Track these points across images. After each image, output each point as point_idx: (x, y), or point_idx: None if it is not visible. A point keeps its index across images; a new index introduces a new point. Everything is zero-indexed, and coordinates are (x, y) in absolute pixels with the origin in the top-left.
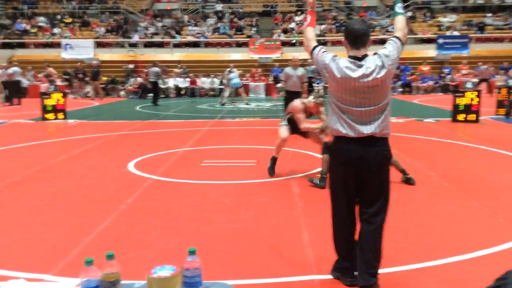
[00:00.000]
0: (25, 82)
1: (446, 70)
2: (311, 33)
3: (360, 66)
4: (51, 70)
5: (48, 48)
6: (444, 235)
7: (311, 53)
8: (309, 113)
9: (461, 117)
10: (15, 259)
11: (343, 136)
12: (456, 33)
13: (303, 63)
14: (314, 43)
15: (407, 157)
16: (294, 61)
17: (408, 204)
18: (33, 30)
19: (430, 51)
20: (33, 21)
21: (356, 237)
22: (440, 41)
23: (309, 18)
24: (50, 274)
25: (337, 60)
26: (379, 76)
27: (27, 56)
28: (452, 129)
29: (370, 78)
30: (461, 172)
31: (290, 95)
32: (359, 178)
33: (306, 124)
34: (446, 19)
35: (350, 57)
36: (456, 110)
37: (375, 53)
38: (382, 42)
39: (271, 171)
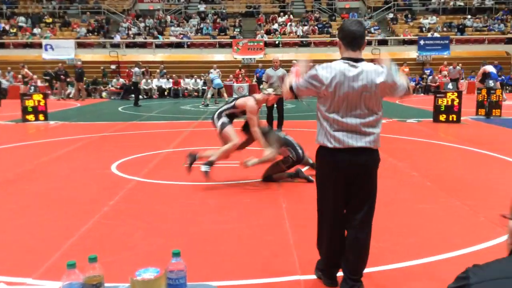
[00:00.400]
0: (4, 83)
1: (427, 71)
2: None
3: (355, 67)
4: (26, 71)
5: (28, 48)
6: (427, 234)
7: (291, 88)
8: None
9: (442, 117)
10: None
11: (331, 149)
12: (436, 34)
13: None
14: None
15: (390, 157)
16: (275, 61)
17: (391, 204)
18: (12, 30)
19: (412, 52)
20: (13, 21)
21: (341, 241)
22: (421, 42)
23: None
24: (32, 277)
25: (328, 65)
26: (373, 81)
27: (7, 57)
28: (434, 129)
29: (364, 81)
30: (443, 172)
31: None
32: (348, 184)
33: (257, 133)
34: (427, 20)
35: (345, 58)
36: (437, 110)
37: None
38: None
39: (189, 168)
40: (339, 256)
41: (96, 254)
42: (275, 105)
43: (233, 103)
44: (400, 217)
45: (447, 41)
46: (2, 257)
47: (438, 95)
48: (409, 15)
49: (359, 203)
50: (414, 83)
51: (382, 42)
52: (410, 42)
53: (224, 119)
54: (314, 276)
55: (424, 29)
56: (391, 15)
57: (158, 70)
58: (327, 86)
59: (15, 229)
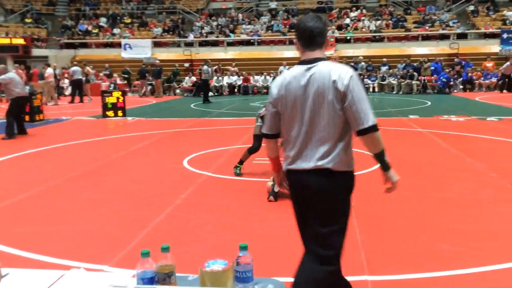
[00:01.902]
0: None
1: None
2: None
3: (310, 69)
4: (88, 69)
5: (109, 48)
6: (506, 239)
7: (264, 134)
8: None
9: None
10: (76, 250)
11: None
12: None
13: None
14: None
15: (468, 157)
16: (333, 58)
17: (468, 206)
18: (94, 31)
19: (494, 47)
20: (95, 22)
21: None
22: (504, 35)
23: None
24: (108, 265)
25: (282, 75)
26: (328, 84)
27: (89, 56)
28: None
29: (316, 85)
30: None
31: None
32: (304, 207)
33: None
34: (511, 13)
35: (300, 62)
36: None
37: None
38: (442, 37)
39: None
40: None
41: (168, 244)
42: None
43: None
44: (478, 220)
45: None
46: (82, 245)
47: None
48: (491, 7)
49: (317, 232)
50: (496, 78)
51: (461, 36)
52: (492, 36)
53: (259, 121)
54: (382, 277)
55: (508, 21)
56: (471, 8)
57: (231, 68)
58: (276, 100)
59: (94, 218)
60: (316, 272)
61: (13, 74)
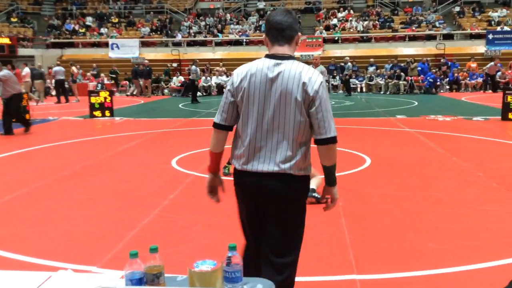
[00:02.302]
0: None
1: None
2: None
3: (279, 65)
4: (74, 69)
5: (96, 47)
6: (491, 237)
7: (215, 124)
8: None
9: None
10: (64, 251)
11: (238, 170)
12: (507, 28)
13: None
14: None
15: (454, 157)
16: (315, 59)
17: (454, 205)
18: (81, 30)
19: (479, 47)
20: (82, 21)
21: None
22: (490, 36)
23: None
24: (96, 266)
25: (246, 64)
26: (295, 86)
27: (76, 56)
28: (502, 128)
29: (284, 84)
30: (511, 173)
31: None
32: (259, 214)
33: None
34: (497, 13)
35: (267, 56)
36: (506, 108)
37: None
38: (429, 38)
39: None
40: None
41: (157, 245)
42: None
43: None
44: (464, 219)
45: None
46: (70, 246)
47: (507, 92)
48: (477, 8)
49: (274, 241)
50: (481, 79)
51: (448, 37)
52: (478, 37)
53: None
54: (370, 276)
55: (493, 22)
56: (457, 8)
57: (219, 68)
58: (236, 90)
59: (81, 219)
60: (273, 281)
61: (9, 72)
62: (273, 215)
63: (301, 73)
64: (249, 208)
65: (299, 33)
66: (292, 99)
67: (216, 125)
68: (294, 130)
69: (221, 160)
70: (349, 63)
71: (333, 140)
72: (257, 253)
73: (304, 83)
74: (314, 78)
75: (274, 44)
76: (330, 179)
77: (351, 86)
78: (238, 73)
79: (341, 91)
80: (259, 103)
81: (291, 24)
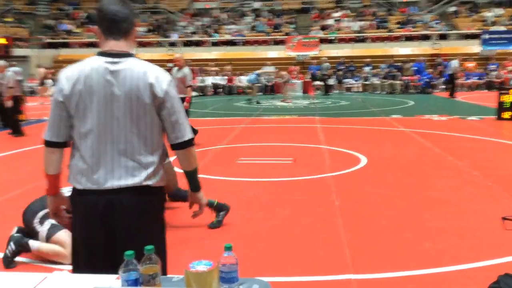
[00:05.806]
0: (49, 83)
1: (493, 66)
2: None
3: (116, 63)
4: (41, 70)
5: (92, 47)
6: (486, 236)
7: (46, 142)
8: None
9: (506, 115)
10: None
11: (80, 190)
12: (502, 28)
13: (320, 61)
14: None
15: (450, 156)
16: (176, 60)
17: (449, 204)
18: (77, 30)
19: (474, 47)
20: (77, 21)
21: None
22: (485, 36)
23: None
24: None
25: (75, 65)
26: (141, 87)
27: (72, 56)
28: (497, 127)
29: (128, 86)
30: (506, 172)
31: None
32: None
33: None
34: (492, 13)
35: (101, 53)
36: (501, 107)
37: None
38: (424, 38)
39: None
40: None
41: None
42: None
43: None
44: (459, 218)
45: None
46: None
47: (502, 92)
48: (472, 8)
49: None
50: (477, 78)
51: (443, 37)
52: (473, 36)
53: None
54: (366, 275)
55: (488, 22)
56: (452, 8)
57: (214, 68)
58: (68, 97)
59: None
60: None
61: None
62: (130, 238)
63: (146, 73)
64: (93, 236)
65: (136, 28)
66: (139, 103)
67: (48, 143)
68: (149, 137)
69: (59, 180)
70: (327, 63)
71: (190, 143)
72: None
73: (151, 84)
74: (162, 77)
75: (108, 39)
76: (194, 185)
77: (348, 86)
78: (68, 77)
79: (319, 91)
80: (99, 109)
81: (127, 16)
